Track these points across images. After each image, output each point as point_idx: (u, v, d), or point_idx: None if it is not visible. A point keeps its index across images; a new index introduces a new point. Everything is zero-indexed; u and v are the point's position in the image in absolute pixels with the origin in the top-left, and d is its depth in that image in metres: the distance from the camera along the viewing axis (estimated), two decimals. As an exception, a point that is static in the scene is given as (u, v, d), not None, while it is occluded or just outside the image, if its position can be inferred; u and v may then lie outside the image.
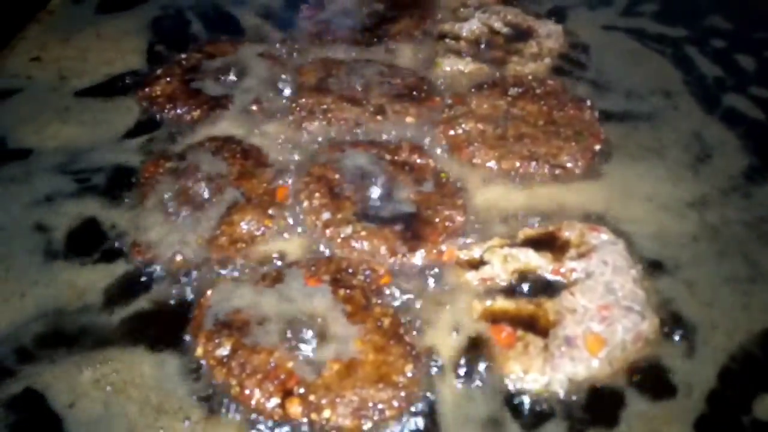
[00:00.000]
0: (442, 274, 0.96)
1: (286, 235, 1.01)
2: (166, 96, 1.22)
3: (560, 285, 0.92)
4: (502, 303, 0.91)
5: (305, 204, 1.03)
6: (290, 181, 1.08)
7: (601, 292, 0.89)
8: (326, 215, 1.01)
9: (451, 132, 1.16)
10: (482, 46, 1.34)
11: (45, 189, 1.09)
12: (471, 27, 1.37)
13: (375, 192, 1.05)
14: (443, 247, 0.98)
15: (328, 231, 1.00)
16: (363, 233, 0.99)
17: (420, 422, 0.81)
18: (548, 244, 0.98)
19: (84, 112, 1.23)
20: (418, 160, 1.11)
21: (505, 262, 0.95)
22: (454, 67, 1.29)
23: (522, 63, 1.30)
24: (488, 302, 0.91)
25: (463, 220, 1.02)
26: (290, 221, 1.03)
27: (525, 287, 0.93)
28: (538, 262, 0.95)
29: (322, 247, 0.99)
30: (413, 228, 1.00)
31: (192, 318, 0.91)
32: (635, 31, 1.43)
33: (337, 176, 1.07)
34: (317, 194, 1.04)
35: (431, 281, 0.95)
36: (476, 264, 0.97)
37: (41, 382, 0.85)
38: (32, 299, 0.94)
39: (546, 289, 0.93)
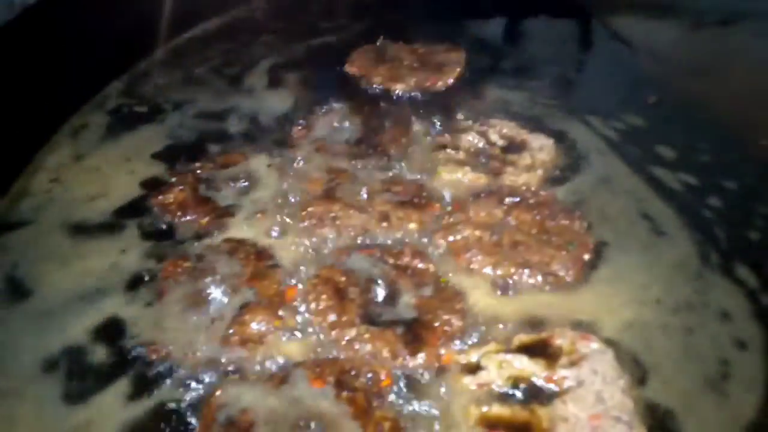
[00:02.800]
0: (440, 378, 1.01)
1: (294, 335, 1.06)
2: (179, 203, 1.30)
3: (553, 392, 0.97)
4: (497, 409, 0.96)
5: (312, 305, 1.09)
6: (299, 283, 1.14)
7: (592, 401, 0.94)
8: (332, 317, 1.07)
9: (451, 238, 1.23)
10: (480, 157, 1.44)
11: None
12: (469, 139, 1.47)
13: (379, 295, 1.11)
14: (442, 351, 1.04)
15: (333, 333, 1.05)
16: (366, 336, 1.04)
17: None
18: (541, 351, 1.03)
19: (102, 224, 1.30)
20: (420, 265, 1.18)
21: (500, 368, 1.00)
22: (453, 175, 1.39)
23: (516, 174, 1.39)
24: (484, 408, 0.96)
25: (461, 324, 1.08)
26: (298, 322, 1.08)
27: (519, 393, 0.98)
28: (532, 369, 1.00)
29: (327, 348, 1.04)
30: (414, 331, 1.05)
31: (201, 416, 0.95)
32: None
33: (343, 279, 1.13)
34: (324, 296, 1.10)
35: (430, 385, 1.00)
36: (473, 369, 1.01)
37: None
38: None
39: (539, 395, 0.97)
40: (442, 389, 0.99)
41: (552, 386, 0.98)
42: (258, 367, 1.01)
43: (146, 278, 1.17)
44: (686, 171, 1.42)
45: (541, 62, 1.83)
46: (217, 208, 1.29)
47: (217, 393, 0.96)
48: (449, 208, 1.30)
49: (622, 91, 1.72)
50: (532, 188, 1.35)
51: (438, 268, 1.18)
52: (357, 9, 2.08)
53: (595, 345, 1.03)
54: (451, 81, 1.70)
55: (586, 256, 1.21)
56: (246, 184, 1.35)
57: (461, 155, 1.44)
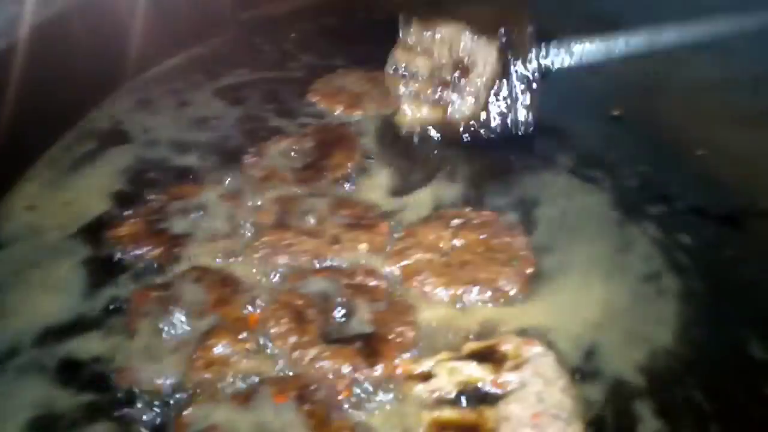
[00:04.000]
0: (395, 387, 1.07)
1: (256, 357, 1.12)
2: (131, 236, 1.34)
3: (499, 395, 1.05)
4: (448, 413, 1.03)
5: (273, 330, 1.15)
6: (259, 308, 1.20)
7: (533, 401, 1.02)
8: (293, 339, 1.13)
9: (403, 262, 1.30)
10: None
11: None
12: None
13: (336, 314, 1.19)
14: (397, 362, 1.11)
15: (294, 354, 1.11)
16: (326, 354, 1.10)
17: None
18: (489, 356, 1.11)
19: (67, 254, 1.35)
20: (372, 283, 1.25)
21: (451, 375, 1.08)
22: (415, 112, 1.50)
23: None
24: (436, 413, 1.03)
25: (413, 335, 1.15)
26: (261, 345, 1.14)
27: (468, 398, 1.05)
28: (480, 374, 1.07)
29: (290, 369, 1.10)
30: (371, 345, 1.12)
31: None
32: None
33: (301, 302, 1.19)
34: (284, 320, 1.16)
35: (385, 394, 1.07)
36: (426, 377, 1.09)
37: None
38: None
39: (487, 398, 1.05)
40: (397, 397, 1.06)
41: (498, 389, 1.05)
42: (223, 387, 1.07)
43: (111, 308, 1.22)
44: (625, 177, 1.56)
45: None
46: (169, 239, 1.34)
47: (186, 412, 1.02)
48: (401, 234, 1.37)
49: (575, 105, 1.84)
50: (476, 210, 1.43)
51: (390, 287, 1.25)
52: (324, 40, 2.18)
53: (537, 349, 1.11)
54: (408, 107, 1.79)
55: (529, 270, 1.30)
56: (198, 214, 1.39)
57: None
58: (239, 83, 1.93)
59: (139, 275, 1.29)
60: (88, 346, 1.16)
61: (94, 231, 1.39)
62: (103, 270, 1.31)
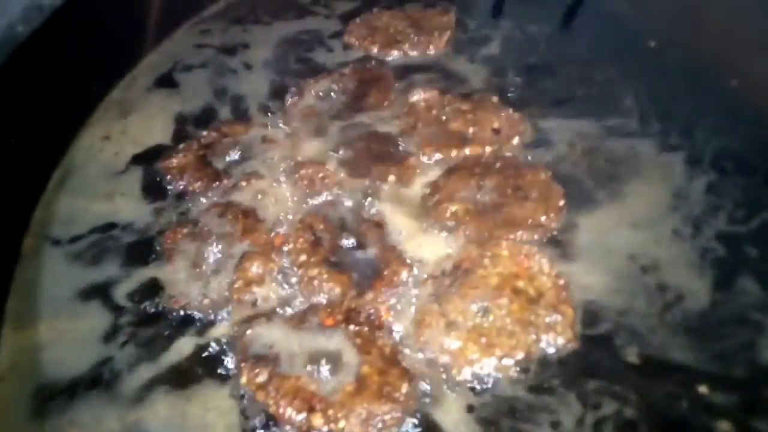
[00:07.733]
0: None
1: (283, 275, 1.23)
2: (181, 168, 1.45)
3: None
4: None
5: (290, 246, 1.26)
6: (285, 231, 1.31)
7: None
8: (302, 258, 1.23)
9: (442, 222, 1.30)
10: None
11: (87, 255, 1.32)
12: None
13: (346, 243, 1.28)
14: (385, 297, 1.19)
15: (300, 271, 1.22)
16: (325, 276, 1.20)
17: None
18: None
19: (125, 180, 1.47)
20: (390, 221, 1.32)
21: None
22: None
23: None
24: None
25: (407, 273, 1.22)
26: (285, 263, 1.25)
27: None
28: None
29: (296, 285, 1.21)
30: (366, 277, 1.21)
31: (237, 353, 1.13)
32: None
33: (321, 226, 1.29)
34: (300, 240, 1.26)
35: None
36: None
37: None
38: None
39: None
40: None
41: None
42: (268, 306, 1.19)
43: (152, 246, 1.32)
44: (656, 110, 1.58)
45: (531, 14, 1.92)
46: (217, 173, 1.44)
47: (248, 332, 1.13)
48: (428, 190, 1.37)
49: (612, 38, 1.83)
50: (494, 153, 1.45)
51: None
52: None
53: None
54: (442, 45, 1.80)
55: (562, 202, 1.31)
56: (244, 151, 1.49)
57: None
58: (285, 24, 1.97)
59: (176, 208, 1.39)
60: (137, 276, 1.27)
61: (151, 160, 1.50)
62: (152, 196, 1.43)
